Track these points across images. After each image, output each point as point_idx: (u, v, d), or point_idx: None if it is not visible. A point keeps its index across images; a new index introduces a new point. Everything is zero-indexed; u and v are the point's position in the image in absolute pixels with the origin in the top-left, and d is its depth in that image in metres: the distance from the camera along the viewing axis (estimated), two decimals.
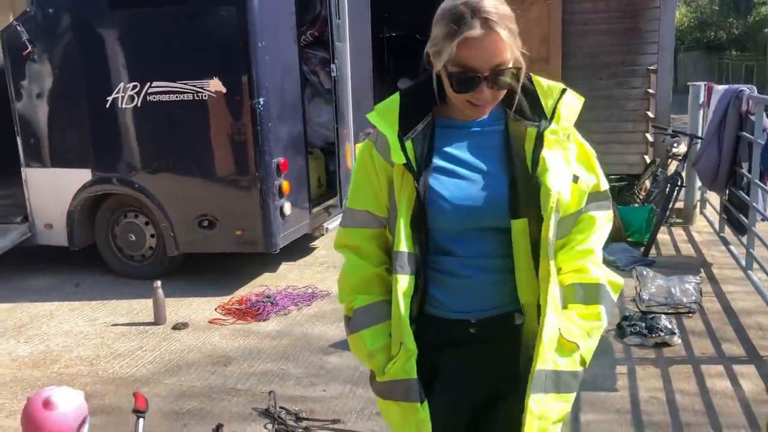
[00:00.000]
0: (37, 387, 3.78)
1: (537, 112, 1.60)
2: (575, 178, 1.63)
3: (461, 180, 1.61)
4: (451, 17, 1.49)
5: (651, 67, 7.73)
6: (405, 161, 1.57)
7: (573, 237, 1.70)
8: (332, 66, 5.93)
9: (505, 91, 1.57)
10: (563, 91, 1.62)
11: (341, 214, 6.44)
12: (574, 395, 1.64)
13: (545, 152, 1.57)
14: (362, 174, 1.71)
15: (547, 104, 1.61)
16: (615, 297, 1.70)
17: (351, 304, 1.73)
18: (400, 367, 1.63)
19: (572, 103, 1.62)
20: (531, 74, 1.61)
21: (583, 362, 1.63)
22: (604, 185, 1.72)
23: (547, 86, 1.63)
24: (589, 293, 1.65)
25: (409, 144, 1.59)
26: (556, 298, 1.57)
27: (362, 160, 1.71)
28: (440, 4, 1.55)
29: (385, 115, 1.63)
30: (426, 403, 1.62)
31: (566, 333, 1.60)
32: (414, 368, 1.61)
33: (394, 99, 1.66)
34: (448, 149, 1.63)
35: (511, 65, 1.52)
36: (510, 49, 1.50)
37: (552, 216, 1.55)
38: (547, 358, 1.57)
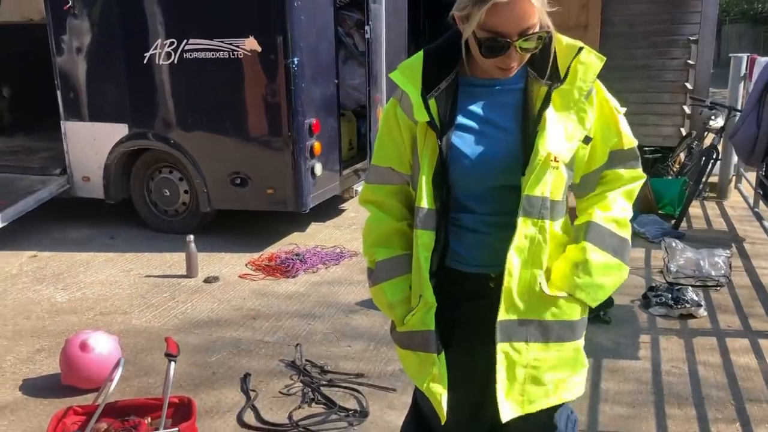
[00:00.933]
0: (75, 331, 3.93)
1: (553, 71, 1.61)
2: (587, 140, 1.64)
3: (482, 138, 1.63)
4: None
5: (692, 38, 7.53)
6: (428, 119, 1.60)
7: (595, 191, 1.74)
8: (366, 28, 5.90)
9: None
10: (580, 49, 1.62)
11: None
12: (574, 344, 1.69)
13: (549, 112, 1.58)
14: (386, 131, 1.74)
15: (562, 64, 1.61)
16: (620, 232, 1.69)
17: (373, 257, 1.79)
18: (419, 318, 1.69)
19: (590, 61, 1.62)
20: (554, 33, 1.60)
21: (578, 303, 1.64)
22: (629, 143, 1.72)
23: (566, 45, 1.63)
24: (578, 232, 1.70)
25: (432, 102, 1.61)
26: (523, 250, 1.59)
27: (387, 118, 1.74)
28: None
29: (408, 74, 1.65)
30: (443, 354, 1.68)
31: (550, 285, 1.64)
32: (433, 320, 1.67)
33: (418, 57, 1.67)
34: (471, 107, 1.65)
35: (538, 29, 1.52)
36: (538, 12, 1.50)
37: (545, 174, 1.56)
38: (510, 310, 1.61)
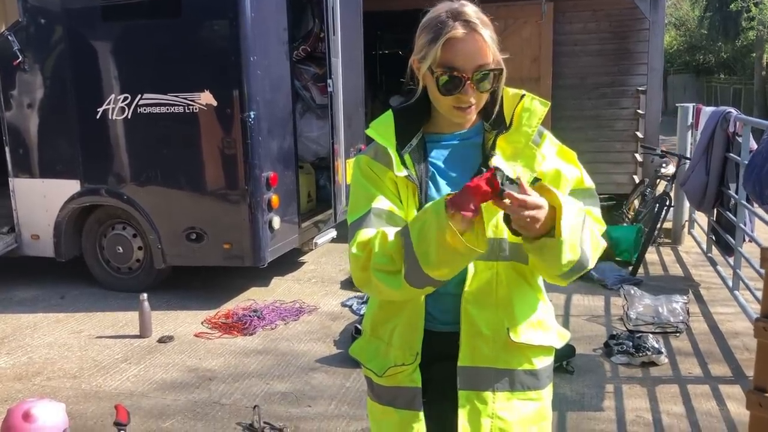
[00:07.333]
0: (19, 399, 3.73)
1: (500, 120, 1.66)
2: (535, 180, 1.61)
3: (452, 189, 1.63)
4: (435, 23, 1.56)
5: (640, 88, 7.80)
6: (407, 174, 1.62)
7: None
8: (329, 81, 5.93)
9: (488, 94, 1.61)
10: (522, 96, 1.67)
11: (331, 230, 6.23)
12: (538, 393, 1.67)
13: (495, 158, 1.62)
14: (372, 183, 1.66)
15: (507, 112, 1.66)
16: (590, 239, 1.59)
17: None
18: (408, 375, 1.67)
19: (533, 107, 1.66)
20: (504, 87, 1.67)
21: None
22: (588, 182, 1.72)
23: (511, 94, 1.68)
24: None
25: (407, 157, 1.65)
26: (477, 294, 1.60)
27: (365, 173, 1.68)
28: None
29: (382, 131, 1.68)
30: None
31: (515, 331, 1.62)
32: (420, 378, 1.67)
33: (388, 116, 1.71)
34: (438, 161, 1.69)
35: (493, 67, 1.57)
36: (492, 51, 1.56)
37: (494, 215, 1.56)
38: (471, 356, 1.61)
